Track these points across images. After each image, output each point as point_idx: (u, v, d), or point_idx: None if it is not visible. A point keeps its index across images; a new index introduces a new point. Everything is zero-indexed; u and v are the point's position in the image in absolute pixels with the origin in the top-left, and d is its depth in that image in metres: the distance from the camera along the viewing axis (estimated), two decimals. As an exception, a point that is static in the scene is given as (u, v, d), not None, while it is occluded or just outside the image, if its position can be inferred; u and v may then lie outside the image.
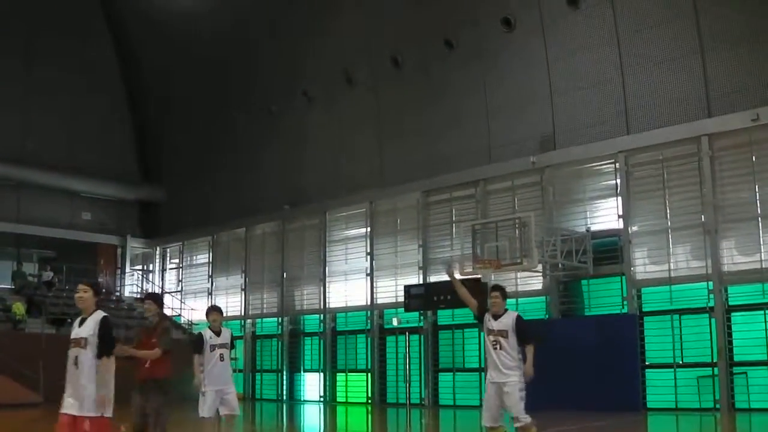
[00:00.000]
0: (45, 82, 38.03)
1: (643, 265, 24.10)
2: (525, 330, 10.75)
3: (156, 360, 10.49)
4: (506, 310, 11.04)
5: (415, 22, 30.04)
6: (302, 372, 33.42)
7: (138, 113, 42.37)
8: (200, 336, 12.25)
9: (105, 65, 41.10)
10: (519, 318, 10.86)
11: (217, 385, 12.01)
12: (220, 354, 12.11)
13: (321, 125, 33.53)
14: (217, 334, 12.21)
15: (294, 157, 34.60)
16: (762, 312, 21.52)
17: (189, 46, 37.69)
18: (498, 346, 10.65)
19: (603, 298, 25.06)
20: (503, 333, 10.66)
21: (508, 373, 10.51)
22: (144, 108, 42.09)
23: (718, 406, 21.77)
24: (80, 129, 39.24)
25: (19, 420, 22.79)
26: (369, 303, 30.65)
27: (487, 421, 10.85)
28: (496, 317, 10.88)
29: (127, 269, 41.55)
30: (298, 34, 33.64)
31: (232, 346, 12.49)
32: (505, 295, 11.16)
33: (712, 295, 22.29)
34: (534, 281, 26.23)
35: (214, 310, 12.67)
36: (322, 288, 32.62)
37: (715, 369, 21.95)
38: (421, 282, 28.75)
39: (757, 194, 22.11)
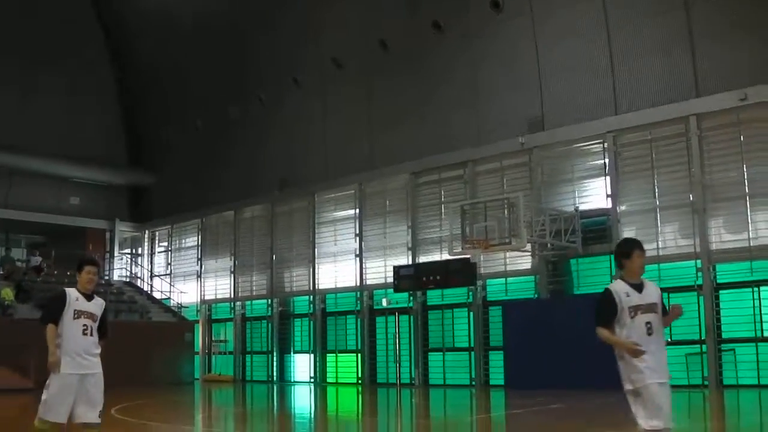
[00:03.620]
0: (35, 69, 37.78)
1: (631, 244, 24.13)
2: (106, 319, 9.17)
3: None
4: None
5: (403, 5, 29.97)
6: (292, 353, 33.51)
7: (126, 98, 42.22)
8: (610, 296, 7.42)
9: (94, 52, 40.88)
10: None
11: (663, 376, 7.46)
12: (647, 323, 7.46)
13: (310, 109, 33.46)
14: (638, 289, 7.51)
15: (283, 140, 34.55)
16: (749, 290, 21.66)
17: (179, 32, 37.52)
18: (88, 331, 8.90)
19: (592, 276, 25.14)
20: (94, 316, 8.97)
21: (93, 360, 8.89)
22: (133, 93, 41.94)
23: (706, 382, 21.94)
24: (69, 114, 39.05)
25: (10, 406, 22.77)
26: (358, 284, 30.72)
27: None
28: (89, 297, 9.06)
29: (116, 253, 41.50)
30: (288, 19, 33.50)
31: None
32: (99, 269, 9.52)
33: (700, 273, 22.42)
34: (523, 261, 26.31)
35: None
36: (311, 269, 32.66)
37: (704, 346, 22.11)
38: (410, 263, 28.81)
39: (745, 173, 22.21)
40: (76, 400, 8.68)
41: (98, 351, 8.93)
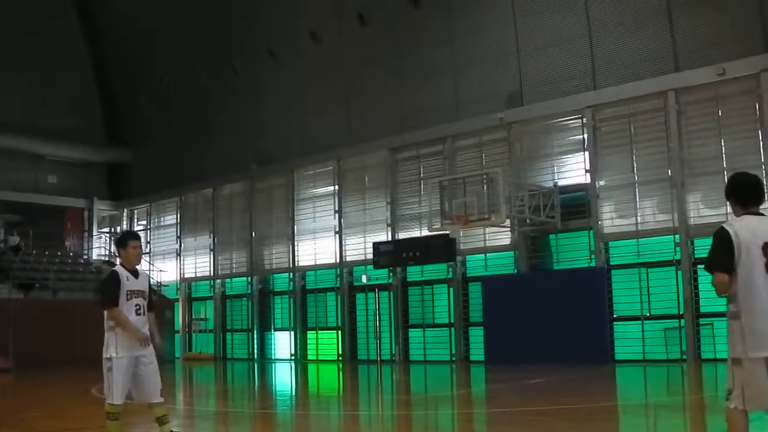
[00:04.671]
0: (8, 45, 37.26)
1: (610, 219, 24.28)
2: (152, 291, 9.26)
3: None
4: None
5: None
6: (273, 331, 33.51)
7: (102, 75, 41.86)
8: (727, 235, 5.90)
9: (68, 27, 40.43)
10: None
11: None
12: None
13: (287, 83, 33.30)
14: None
15: (260, 115, 34.37)
16: (727, 264, 21.72)
17: (152, 6, 37.17)
18: (141, 310, 8.78)
19: (571, 252, 25.24)
20: (144, 293, 8.89)
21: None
22: (108, 69, 41.60)
23: (684, 357, 22.08)
24: (45, 91, 38.61)
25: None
26: (338, 261, 30.70)
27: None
28: (136, 274, 8.91)
29: (95, 232, 41.29)
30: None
31: None
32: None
33: (678, 248, 22.51)
34: (502, 236, 26.34)
35: None
36: (291, 246, 32.62)
37: (682, 321, 22.24)
38: (389, 239, 28.82)
39: (723, 148, 22.30)
40: (136, 381, 8.64)
41: (148, 328, 8.80)
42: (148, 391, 8.68)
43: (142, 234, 39.96)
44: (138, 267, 9.00)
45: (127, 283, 8.69)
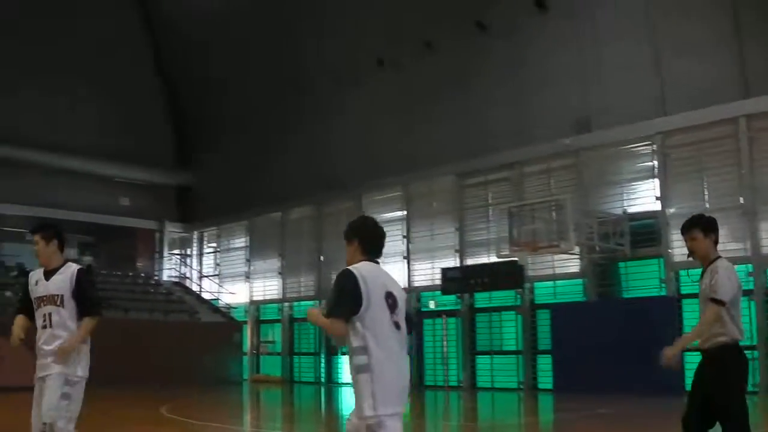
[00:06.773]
0: (83, 71, 38.06)
1: (681, 247, 23.82)
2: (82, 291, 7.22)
3: None
4: (66, 261, 7.38)
5: (446, 3, 29.84)
6: (340, 354, 33.62)
7: (172, 98, 42.62)
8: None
9: (139, 50, 41.29)
10: (81, 272, 7.28)
11: None
12: None
13: (354, 108, 33.44)
14: None
15: (328, 140, 34.58)
16: (804, 292, 21.38)
17: (223, 29, 37.77)
18: (46, 321, 7.02)
19: (641, 280, 24.99)
20: (54, 298, 7.04)
21: (45, 361, 7.08)
22: (178, 92, 42.33)
23: (756, 389, 21.68)
24: (116, 115, 39.45)
25: None
26: (406, 286, 30.69)
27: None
28: (51, 273, 7.14)
29: (165, 254, 41.92)
30: (330, 15, 33.59)
31: None
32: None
33: (751, 278, 22.14)
34: (571, 264, 26.17)
35: None
36: (358, 271, 32.65)
37: (755, 352, 21.84)
38: (457, 265, 28.81)
39: (796, 175, 21.96)
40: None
41: (54, 344, 7.02)
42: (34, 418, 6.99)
43: (211, 256, 40.43)
44: (69, 264, 7.29)
45: (35, 288, 7.14)
